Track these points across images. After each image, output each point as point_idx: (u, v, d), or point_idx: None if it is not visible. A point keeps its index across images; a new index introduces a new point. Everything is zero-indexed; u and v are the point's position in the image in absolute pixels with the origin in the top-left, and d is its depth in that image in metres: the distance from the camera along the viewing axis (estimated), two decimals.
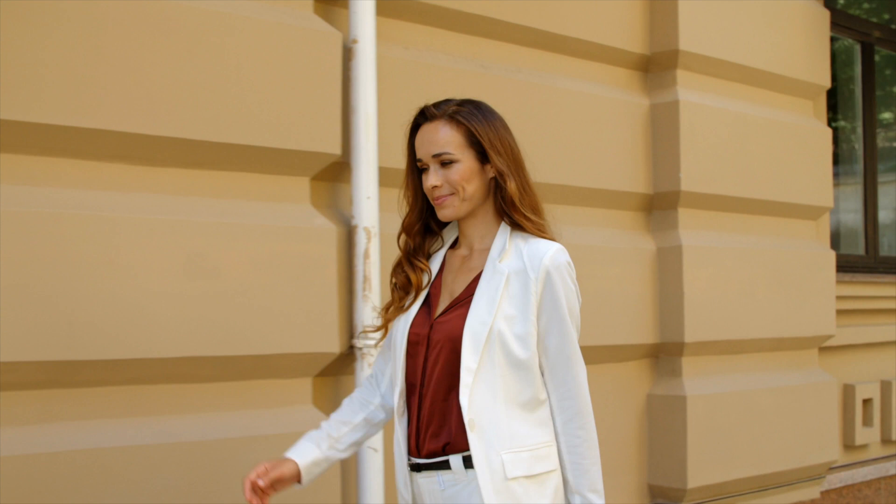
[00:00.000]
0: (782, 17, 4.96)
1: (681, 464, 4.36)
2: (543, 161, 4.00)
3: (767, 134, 4.84)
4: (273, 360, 3.19)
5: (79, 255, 2.81)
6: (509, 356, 2.14)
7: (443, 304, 2.26)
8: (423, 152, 2.22)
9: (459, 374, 2.15)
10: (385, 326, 2.34)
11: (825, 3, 5.38)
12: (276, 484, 2.30)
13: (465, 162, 2.19)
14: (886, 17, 6.34)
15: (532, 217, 2.22)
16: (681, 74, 4.49)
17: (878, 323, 5.77)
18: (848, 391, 5.48)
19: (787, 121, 4.98)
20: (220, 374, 3.13)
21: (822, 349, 5.21)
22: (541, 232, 2.22)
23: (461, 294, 2.23)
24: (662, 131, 4.45)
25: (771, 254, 4.83)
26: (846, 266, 5.60)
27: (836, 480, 5.28)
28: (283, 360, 3.21)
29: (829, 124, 5.56)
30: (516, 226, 2.22)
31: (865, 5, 6.30)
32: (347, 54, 3.39)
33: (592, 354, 4.20)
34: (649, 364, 4.51)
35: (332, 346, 3.28)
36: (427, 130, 2.22)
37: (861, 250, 6.05)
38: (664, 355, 4.50)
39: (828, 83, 5.23)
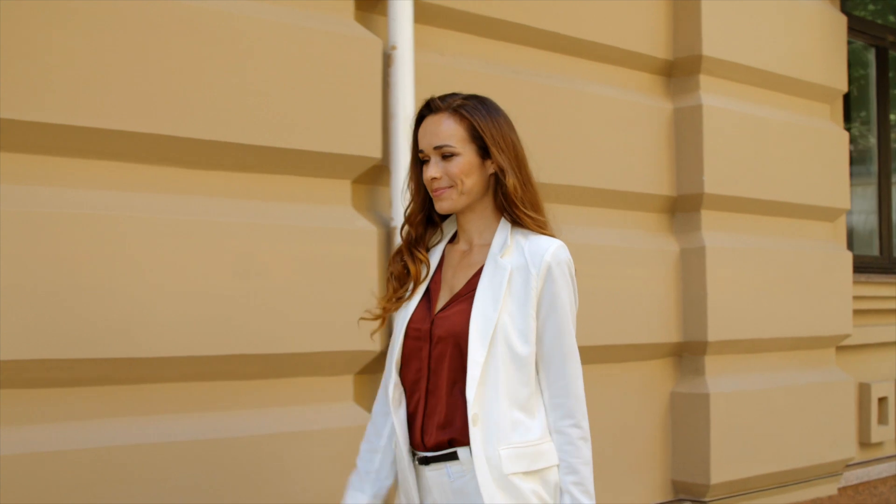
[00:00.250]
0: (801, 22, 5.06)
1: (704, 460, 4.46)
2: (570, 164, 4.14)
3: (786, 137, 4.94)
4: (316, 357, 3.28)
5: (134, 256, 2.91)
6: (511, 352, 2.14)
7: (443, 299, 2.26)
8: (425, 143, 2.23)
9: (464, 368, 2.15)
10: (384, 317, 2.33)
11: (841, 8, 5.47)
12: None
13: (466, 156, 2.19)
14: (892, 19, 6.43)
15: (532, 214, 2.21)
16: (703, 79, 4.59)
17: (892, 323, 5.86)
18: (863, 390, 5.56)
19: (806, 124, 5.08)
20: (265, 372, 3.22)
21: (839, 348, 5.30)
22: (541, 229, 2.22)
23: (462, 289, 2.23)
24: (686, 135, 4.54)
25: (789, 255, 4.92)
26: (861, 267, 5.69)
27: (852, 477, 5.37)
28: (325, 358, 3.30)
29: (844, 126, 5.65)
30: (516, 222, 2.22)
31: (871, 7, 6.37)
32: (387, 60, 3.48)
33: (617, 353, 4.33)
34: (673, 362, 4.60)
35: (373, 343, 3.37)
36: (431, 122, 2.22)
37: (875, 251, 6.13)
38: (687, 354, 4.59)
39: (845, 87, 5.33)
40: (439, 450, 2.19)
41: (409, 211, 2.33)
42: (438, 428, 2.19)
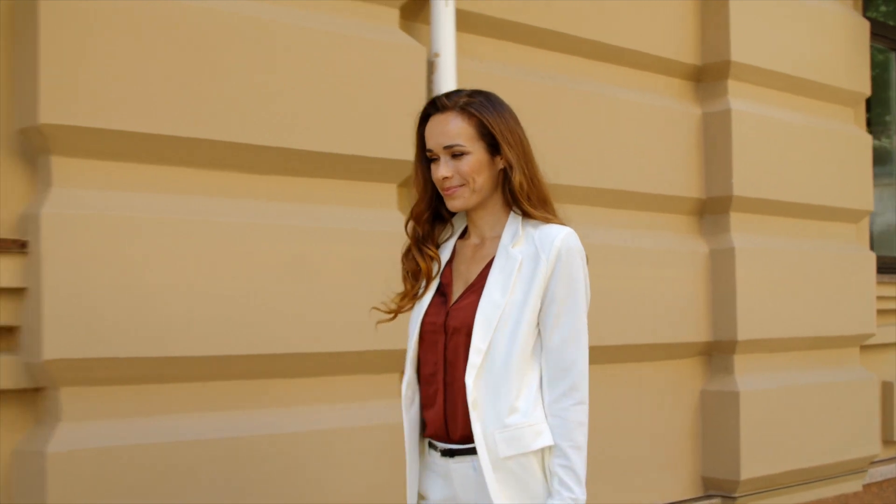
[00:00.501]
0: (825, 27, 5.16)
1: (734, 457, 4.56)
2: (602, 167, 4.24)
3: (812, 141, 5.04)
4: (366, 356, 3.39)
5: (197, 257, 3.03)
6: (517, 337, 2.13)
7: (457, 292, 2.25)
8: (433, 143, 2.20)
9: None
10: (396, 312, 2.33)
11: (864, 13, 5.57)
12: None
13: (476, 154, 2.19)
14: None
15: (539, 210, 2.21)
16: (732, 84, 4.69)
17: None
18: (887, 388, 5.65)
19: (830, 128, 5.17)
20: (314, 370, 3.33)
21: (863, 347, 5.39)
22: (550, 219, 2.22)
23: (475, 280, 2.23)
24: (714, 139, 4.65)
25: (815, 256, 5.02)
26: (883, 267, 5.77)
27: (877, 474, 5.46)
28: (374, 357, 3.41)
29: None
30: (526, 215, 2.22)
31: (882, 8, 6.44)
32: (430, 67, 3.59)
33: (649, 352, 4.43)
34: (703, 361, 4.71)
35: None
36: (438, 121, 2.20)
37: None
38: (717, 353, 4.69)
39: (868, 91, 5.42)
40: (466, 442, 2.18)
41: (415, 209, 2.32)
42: (464, 419, 2.18)
